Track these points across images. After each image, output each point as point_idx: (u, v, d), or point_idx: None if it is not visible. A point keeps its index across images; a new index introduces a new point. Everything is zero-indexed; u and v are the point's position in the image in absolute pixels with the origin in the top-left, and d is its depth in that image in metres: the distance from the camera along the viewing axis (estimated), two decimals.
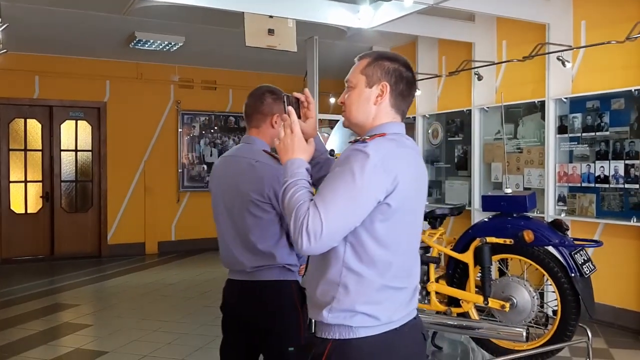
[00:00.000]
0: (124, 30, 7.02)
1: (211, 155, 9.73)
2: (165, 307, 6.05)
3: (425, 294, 3.69)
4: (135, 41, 7.28)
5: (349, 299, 1.61)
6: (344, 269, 1.61)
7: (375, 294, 1.62)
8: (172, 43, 7.42)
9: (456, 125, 6.88)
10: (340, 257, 1.61)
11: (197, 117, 9.61)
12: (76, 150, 8.92)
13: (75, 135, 8.90)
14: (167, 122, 9.39)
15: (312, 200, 1.56)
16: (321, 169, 1.96)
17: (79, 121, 8.90)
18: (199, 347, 4.75)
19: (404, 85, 1.75)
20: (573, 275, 3.23)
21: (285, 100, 1.77)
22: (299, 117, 1.83)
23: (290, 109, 1.71)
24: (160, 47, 7.59)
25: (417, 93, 7.03)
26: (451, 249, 3.69)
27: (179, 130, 9.45)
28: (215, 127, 9.75)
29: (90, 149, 8.97)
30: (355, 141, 1.66)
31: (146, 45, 7.51)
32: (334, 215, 1.51)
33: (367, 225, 1.59)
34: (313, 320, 1.72)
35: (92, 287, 7.09)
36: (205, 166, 9.67)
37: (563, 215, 5.47)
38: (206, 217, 10.02)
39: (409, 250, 1.71)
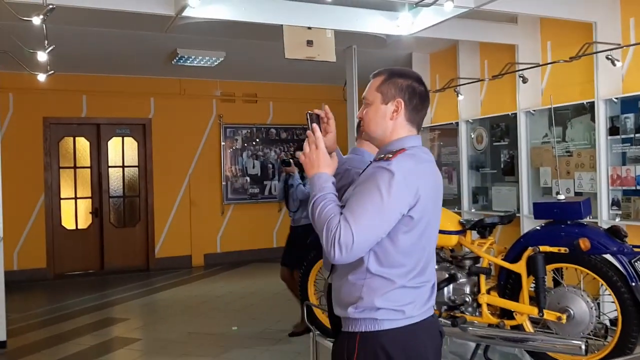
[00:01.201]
0: (166, 47, 7.15)
1: (253, 167, 9.80)
2: (213, 320, 6.08)
3: (476, 306, 3.57)
4: (177, 58, 7.40)
5: (372, 297, 1.78)
6: (367, 273, 1.78)
7: (396, 292, 1.79)
8: (213, 58, 7.51)
9: (501, 129, 6.72)
10: (364, 263, 1.78)
11: (239, 130, 9.70)
12: (123, 167, 9.12)
13: (122, 151, 9.11)
14: (210, 136, 9.51)
15: (341, 213, 1.70)
16: (341, 179, 2.06)
17: (125, 138, 9.12)
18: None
19: (417, 99, 1.89)
20: (634, 284, 3.07)
21: (308, 117, 1.88)
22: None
23: (315, 126, 1.84)
24: (202, 62, 7.70)
25: (460, 98, 6.93)
26: (502, 259, 3.57)
27: (222, 143, 9.56)
28: (257, 140, 9.82)
29: (136, 164, 9.16)
30: (379, 159, 1.81)
31: (188, 62, 7.62)
32: (363, 229, 1.67)
33: (391, 236, 1.75)
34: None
35: (141, 301, 7.20)
36: (248, 178, 9.73)
37: (618, 220, 5.26)
38: (250, 228, 10.11)
39: (425, 253, 1.86)
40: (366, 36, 6.02)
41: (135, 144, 9.14)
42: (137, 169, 9.17)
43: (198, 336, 5.50)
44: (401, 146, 1.84)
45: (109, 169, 9.02)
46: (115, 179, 9.09)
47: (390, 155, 1.78)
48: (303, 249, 5.25)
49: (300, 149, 5.57)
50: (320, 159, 1.81)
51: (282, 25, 5.04)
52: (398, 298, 1.79)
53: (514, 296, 3.50)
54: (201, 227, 9.33)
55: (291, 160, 5.39)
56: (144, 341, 5.48)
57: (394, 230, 1.74)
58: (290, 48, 5.12)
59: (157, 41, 6.74)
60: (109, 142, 9.02)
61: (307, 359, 4.52)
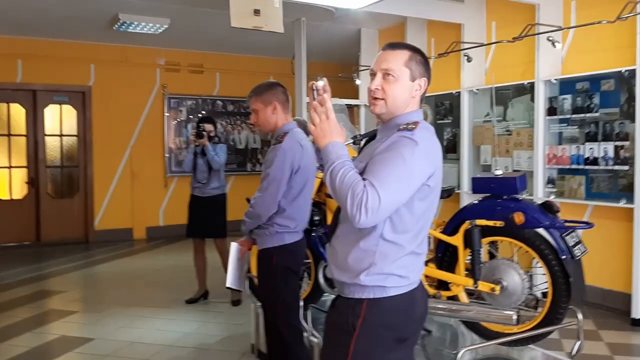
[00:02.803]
0: (107, 11, 6.88)
1: None
2: (154, 293, 5.99)
3: None
4: (119, 23, 7.14)
5: (385, 263, 1.83)
6: (381, 240, 1.83)
7: (406, 258, 1.86)
8: (157, 25, 7.28)
9: (445, 107, 6.83)
10: (378, 229, 1.82)
11: (184, 101, 9.49)
12: (61, 135, 8.79)
13: (60, 120, 8.76)
14: (153, 106, 9.26)
15: (364, 179, 1.72)
16: None
17: (63, 105, 8.76)
18: (188, 333, 4.71)
19: (429, 78, 1.98)
20: (564, 257, 3.20)
21: (315, 88, 1.85)
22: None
23: (326, 96, 1.82)
24: (145, 29, 7.45)
25: None
26: (440, 232, 3.65)
27: (166, 114, 9.33)
28: (203, 112, 9.63)
29: (76, 133, 8.84)
30: (403, 129, 1.84)
31: (130, 28, 7.37)
32: (390, 192, 1.70)
33: (407, 203, 1.81)
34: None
35: (79, 274, 7.01)
36: None
37: (552, 197, 5.45)
38: None
39: (429, 220, 1.94)
40: (315, 8, 5.96)
41: (75, 112, 8.80)
42: (76, 138, 8.84)
43: (138, 309, 5.41)
44: (415, 119, 1.90)
45: (46, 137, 8.66)
46: (52, 148, 8.74)
47: (413, 126, 1.84)
48: (221, 218, 5.54)
49: (206, 121, 5.58)
50: (332, 128, 1.81)
51: None
52: (407, 264, 1.87)
53: (451, 268, 3.59)
54: (143, 200, 9.13)
55: (202, 132, 5.34)
56: (80, 314, 5.35)
57: (410, 199, 1.80)
58: (236, 16, 5.00)
59: (98, 4, 6.48)
60: (46, 110, 8.65)
61: (248, 329, 4.53)
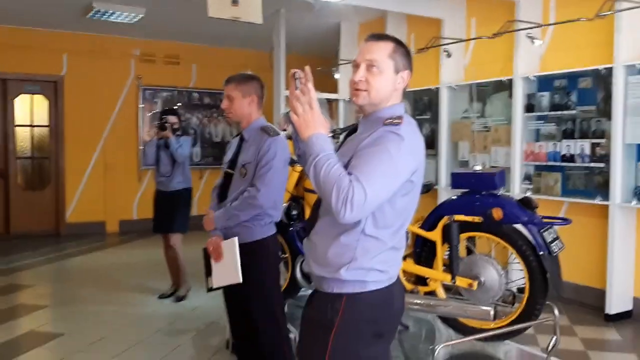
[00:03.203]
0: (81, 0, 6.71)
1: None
2: (126, 288, 5.87)
3: None
4: (93, 12, 6.97)
5: (366, 258, 1.81)
6: (362, 235, 1.80)
7: (386, 253, 1.85)
8: (132, 14, 7.13)
9: (424, 103, 6.82)
10: (360, 224, 1.79)
11: (159, 93, 9.34)
12: (32, 126, 8.58)
13: (31, 110, 8.55)
14: (128, 97, 9.09)
15: (350, 174, 1.68)
16: None
17: (34, 95, 8.55)
18: (160, 329, 4.62)
19: (412, 71, 1.96)
20: (542, 253, 3.20)
21: (297, 77, 1.78)
22: None
23: (310, 85, 1.76)
24: (120, 18, 7.29)
25: None
26: (419, 227, 3.63)
27: (140, 106, 9.17)
28: (179, 104, 9.49)
29: (47, 124, 8.63)
30: (388, 124, 1.81)
31: (104, 17, 7.20)
32: (375, 188, 1.67)
33: (390, 199, 1.78)
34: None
35: (49, 267, 6.85)
36: None
37: (529, 193, 5.48)
38: None
39: (411, 215, 1.93)
40: (294, 0, 5.89)
41: (46, 102, 8.60)
42: (47, 129, 8.64)
43: (110, 303, 5.30)
44: (398, 112, 1.88)
45: (16, 128, 8.44)
46: (22, 139, 8.53)
47: (399, 121, 1.82)
48: (184, 213, 5.46)
49: (169, 113, 5.43)
50: (316, 119, 1.75)
51: None
52: (387, 259, 1.86)
53: (429, 263, 3.57)
54: (116, 193, 8.96)
55: (165, 124, 5.21)
56: (50, 308, 5.21)
57: (393, 194, 1.78)
58: (214, 6, 4.92)
59: None
60: (17, 100, 8.43)
61: (220, 325, 4.46)
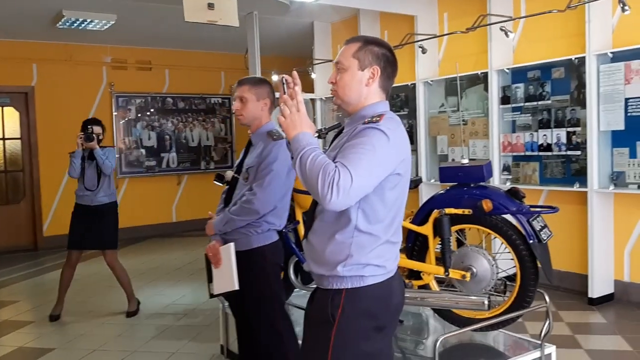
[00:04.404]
0: (50, 8, 6.60)
1: (149, 139, 9.39)
2: (110, 299, 5.80)
3: None
4: (63, 20, 6.86)
5: (361, 254, 1.87)
6: (356, 231, 1.86)
7: (381, 248, 1.90)
8: (103, 21, 7.04)
9: (401, 99, 6.89)
10: (352, 222, 1.86)
11: (133, 99, 9.24)
12: (3, 139, 8.40)
13: (1, 122, 8.37)
14: (101, 105, 8.97)
15: (335, 162, 1.73)
16: None
17: (5, 108, 8.37)
18: (150, 338, 4.58)
19: (390, 68, 1.99)
20: (532, 242, 3.26)
21: (285, 82, 1.86)
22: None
23: (297, 89, 1.83)
24: (91, 26, 7.19)
25: None
26: (410, 222, 3.67)
27: (114, 113, 9.05)
28: (152, 110, 9.40)
29: (19, 136, 8.46)
30: (368, 122, 1.86)
31: (75, 25, 7.09)
32: (361, 174, 1.71)
33: (378, 193, 1.84)
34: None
35: (30, 282, 6.73)
36: (143, 150, 9.32)
37: (508, 184, 5.59)
38: (148, 203, 9.69)
39: (402, 208, 1.98)
40: (268, 1, 5.89)
41: (17, 114, 8.43)
42: (19, 141, 8.47)
43: (96, 316, 5.24)
44: (379, 111, 1.93)
45: None
46: None
47: (378, 118, 1.86)
48: (113, 228, 5.22)
49: (93, 123, 5.29)
50: (302, 121, 1.83)
51: None
52: (383, 253, 1.91)
53: (421, 257, 3.61)
54: None
55: (93, 135, 5.06)
56: (36, 324, 5.12)
57: (380, 188, 1.83)
58: (190, 10, 4.89)
59: (41, 1, 6.19)
60: None
61: (214, 331, 4.45)
